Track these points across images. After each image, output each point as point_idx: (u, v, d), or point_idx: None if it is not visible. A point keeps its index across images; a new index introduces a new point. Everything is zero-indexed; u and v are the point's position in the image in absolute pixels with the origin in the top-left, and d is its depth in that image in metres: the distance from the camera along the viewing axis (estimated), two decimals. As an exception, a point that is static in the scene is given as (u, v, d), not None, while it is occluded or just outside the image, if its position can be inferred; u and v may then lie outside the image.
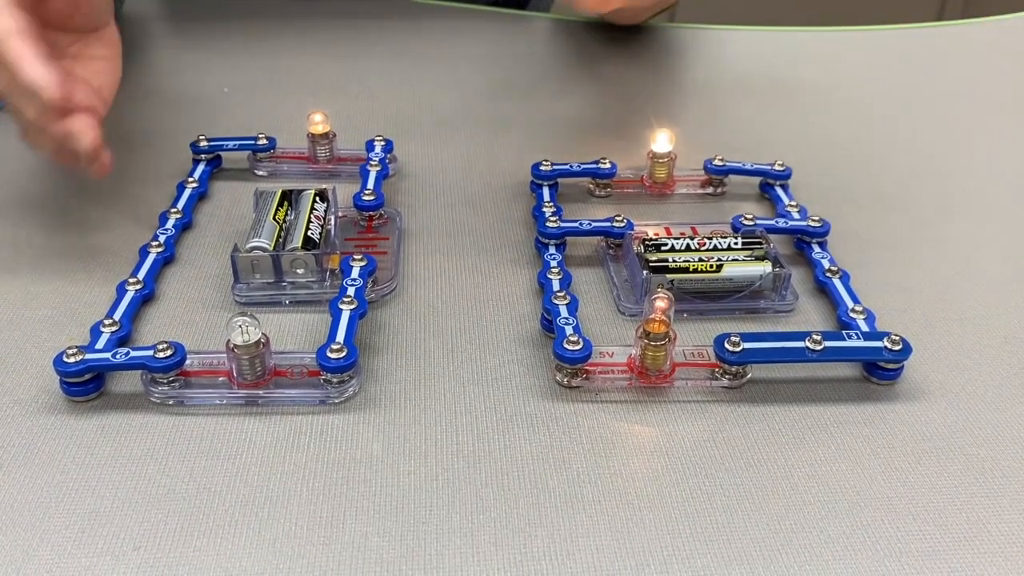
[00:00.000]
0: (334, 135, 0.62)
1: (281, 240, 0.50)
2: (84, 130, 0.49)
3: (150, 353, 0.42)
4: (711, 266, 0.49)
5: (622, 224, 0.53)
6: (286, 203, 0.53)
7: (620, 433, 0.42)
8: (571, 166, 0.60)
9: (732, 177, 0.61)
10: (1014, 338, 0.48)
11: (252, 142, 0.62)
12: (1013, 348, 0.47)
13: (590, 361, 0.44)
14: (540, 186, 0.59)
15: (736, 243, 0.51)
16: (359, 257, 0.49)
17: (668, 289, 0.47)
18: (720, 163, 0.60)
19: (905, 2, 1.75)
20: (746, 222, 0.54)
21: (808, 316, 0.50)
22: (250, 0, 0.89)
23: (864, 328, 0.47)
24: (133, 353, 0.43)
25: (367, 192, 0.56)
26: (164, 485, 0.39)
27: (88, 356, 0.42)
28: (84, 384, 0.42)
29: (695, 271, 0.49)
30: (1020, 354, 0.47)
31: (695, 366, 0.45)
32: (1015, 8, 0.95)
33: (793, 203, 0.57)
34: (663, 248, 0.50)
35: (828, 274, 0.51)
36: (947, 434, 0.42)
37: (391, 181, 0.61)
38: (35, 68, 0.47)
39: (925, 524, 0.38)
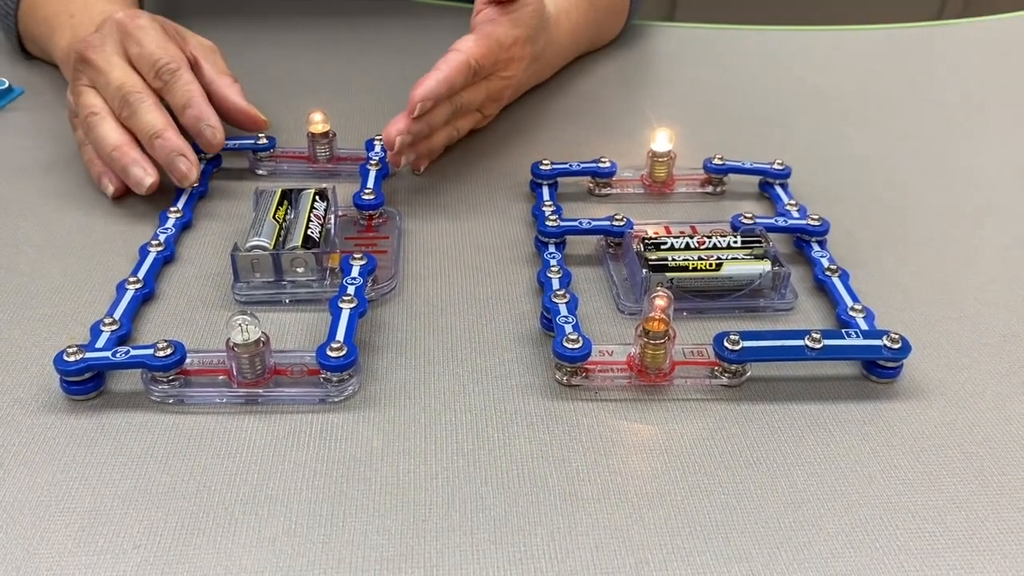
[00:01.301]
0: (334, 134, 0.62)
1: (281, 239, 0.50)
2: (195, 162, 0.56)
3: (150, 352, 0.42)
4: (710, 265, 0.49)
5: (622, 223, 0.53)
6: (286, 202, 0.53)
7: (619, 431, 0.42)
8: (571, 165, 0.60)
9: (731, 176, 0.61)
10: (1013, 336, 0.48)
11: (252, 141, 0.62)
12: (1012, 347, 0.47)
13: (590, 359, 0.44)
14: (540, 185, 0.59)
15: (735, 242, 0.51)
16: (359, 256, 0.49)
17: (667, 287, 0.47)
18: (719, 162, 0.60)
19: (905, 1, 1.75)
20: (745, 221, 0.54)
21: (807, 315, 0.50)
22: None
23: (863, 326, 0.47)
24: (133, 352, 0.43)
25: (367, 191, 0.56)
26: (164, 483, 0.39)
27: (88, 355, 0.42)
28: (84, 383, 0.43)
29: (695, 269, 0.49)
30: (1019, 352, 0.47)
31: (694, 364, 0.45)
32: (1015, 7, 0.95)
33: (792, 202, 0.57)
34: (663, 247, 0.50)
35: (827, 273, 0.51)
36: (946, 432, 0.42)
37: (391, 180, 0.61)
38: (209, 107, 0.58)
39: (924, 522, 0.38)
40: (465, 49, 0.57)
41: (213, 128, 0.57)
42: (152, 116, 0.55)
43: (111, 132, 0.56)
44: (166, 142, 0.55)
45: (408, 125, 0.56)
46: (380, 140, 0.62)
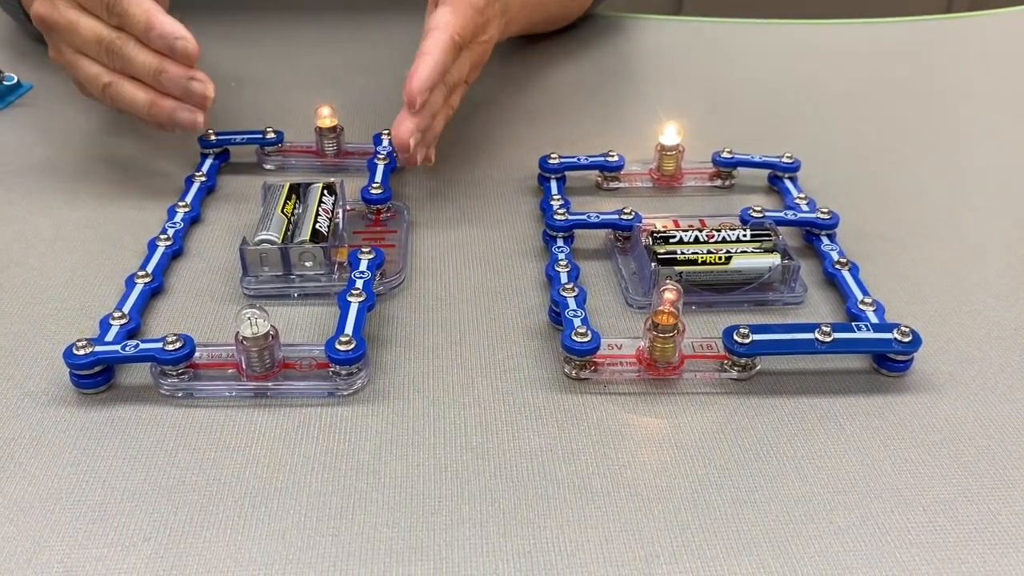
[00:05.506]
0: (341, 129, 0.62)
1: (289, 233, 0.50)
2: (205, 78, 0.54)
3: (159, 345, 0.42)
4: (720, 258, 0.49)
5: (630, 217, 0.53)
6: (294, 196, 0.53)
7: (629, 425, 0.42)
8: (579, 159, 0.60)
9: (740, 170, 0.61)
10: (1024, 330, 0.48)
11: (260, 136, 0.62)
12: (1023, 339, 0.47)
13: (598, 353, 0.44)
14: (548, 179, 0.59)
15: (745, 235, 0.51)
16: (367, 250, 0.49)
17: (677, 281, 0.47)
18: (728, 155, 0.60)
19: (914, -5, 1.74)
20: (755, 214, 0.54)
21: (817, 308, 0.50)
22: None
23: (873, 320, 0.47)
24: (142, 345, 0.43)
25: (375, 185, 0.56)
26: (174, 477, 0.39)
27: (98, 348, 0.42)
28: (94, 376, 0.43)
29: (704, 263, 0.49)
30: (1031, 346, 0.47)
31: (704, 358, 0.44)
32: (1024, 0, 0.95)
33: (802, 195, 0.57)
34: (671, 240, 0.50)
35: (837, 266, 0.51)
36: (957, 425, 0.42)
37: (399, 174, 0.61)
38: (168, 20, 0.53)
39: (935, 515, 0.38)
40: (444, 25, 0.55)
41: (184, 39, 0.53)
42: (144, 54, 0.53)
43: (135, 92, 0.55)
44: (171, 73, 0.53)
45: (416, 122, 0.55)
46: (388, 135, 0.62)
